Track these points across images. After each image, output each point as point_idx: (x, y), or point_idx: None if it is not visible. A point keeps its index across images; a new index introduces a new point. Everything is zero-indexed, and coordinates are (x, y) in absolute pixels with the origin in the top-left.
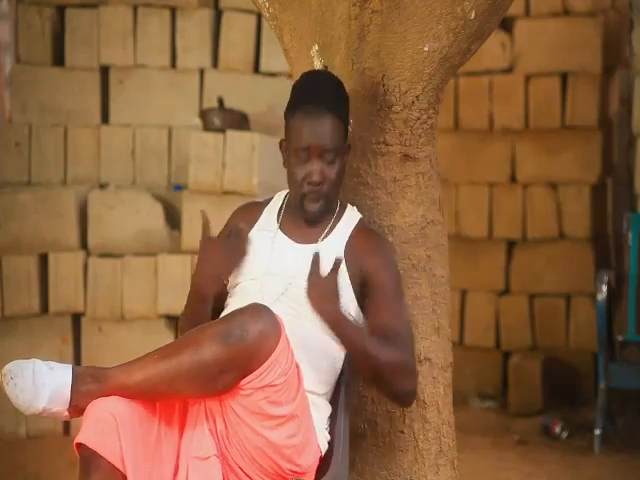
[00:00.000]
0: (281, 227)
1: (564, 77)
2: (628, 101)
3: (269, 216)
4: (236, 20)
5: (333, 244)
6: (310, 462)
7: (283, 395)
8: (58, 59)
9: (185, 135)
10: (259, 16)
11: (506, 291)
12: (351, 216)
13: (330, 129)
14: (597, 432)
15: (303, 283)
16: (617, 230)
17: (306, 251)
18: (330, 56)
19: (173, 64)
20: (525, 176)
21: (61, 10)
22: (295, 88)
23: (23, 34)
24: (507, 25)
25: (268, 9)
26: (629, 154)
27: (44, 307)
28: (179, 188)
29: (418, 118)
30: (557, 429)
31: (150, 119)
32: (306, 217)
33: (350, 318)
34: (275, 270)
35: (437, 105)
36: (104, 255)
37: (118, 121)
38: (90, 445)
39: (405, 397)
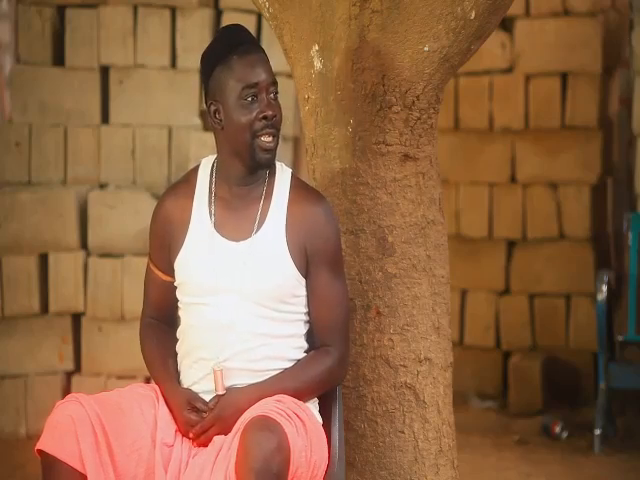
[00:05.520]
0: (216, 225)
1: (564, 77)
2: (628, 101)
3: (200, 208)
4: (236, 20)
5: (269, 232)
6: (324, 453)
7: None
8: (58, 59)
9: (185, 135)
10: (259, 16)
11: (506, 291)
12: (282, 183)
13: (268, 65)
14: (597, 432)
15: (251, 284)
16: (617, 230)
17: (243, 248)
18: (330, 56)
19: (173, 64)
20: (525, 176)
21: (61, 10)
22: (215, 41)
23: (23, 34)
24: (507, 25)
25: (268, 9)
26: (629, 154)
27: (44, 307)
28: None
29: (418, 118)
30: (557, 429)
31: (150, 119)
32: (259, 161)
33: (257, 387)
34: (222, 284)
35: (437, 105)
36: (104, 255)
37: (118, 121)
38: (48, 450)
39: (338, 385)
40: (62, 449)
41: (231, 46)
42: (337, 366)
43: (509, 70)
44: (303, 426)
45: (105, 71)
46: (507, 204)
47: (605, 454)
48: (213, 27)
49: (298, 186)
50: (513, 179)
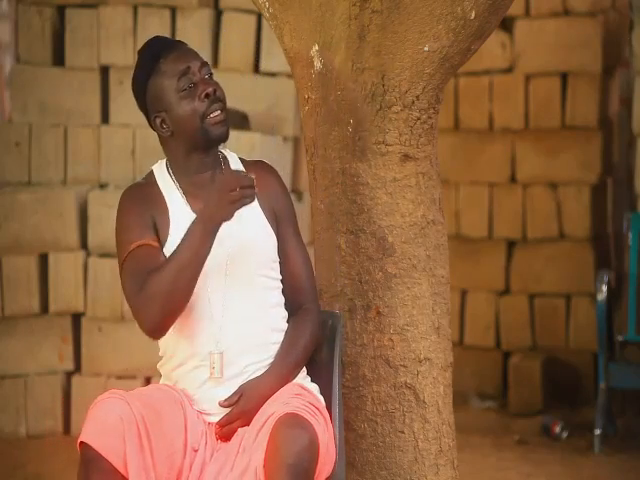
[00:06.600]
0: (194, 211)
1: (564, 77)
2: (628, 101)
3: (173, 200)
4: (236, 20)
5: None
6: (333, 447)
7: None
8: (58, 59)
9: None
10: (259, 16)
11: (506, 291)
12: (235, 164)
13: (195, 52)
14: (597, 432)
15: (241, 255)
16: (617, 230)
17: (227, 224)
18: (330, 56)
19: None
20: (525, 176)
21: (61, 10)
22: (139, 60)
23: (23, 34)
24: (507, 25)
25: (268, 9)
26: (629, 154)
27: (44, 307)
28: None
29: (418, 118)
30: (557, 429)
31: None
32: (215, 137)
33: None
34: (213, 264)
35: (437, 105)
36: (104, 255)
37: (118, 121)
38: (94, 446)
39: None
40: (108, 447)
41: (156, 55)
42: (318, 322)
43: (509, 70)
44: (325, 422)
45: (105, 71)
46: (507, 204)
47: (605, 454)
48: (213, 27)
49: (248, 162)
50: (513, 179)
